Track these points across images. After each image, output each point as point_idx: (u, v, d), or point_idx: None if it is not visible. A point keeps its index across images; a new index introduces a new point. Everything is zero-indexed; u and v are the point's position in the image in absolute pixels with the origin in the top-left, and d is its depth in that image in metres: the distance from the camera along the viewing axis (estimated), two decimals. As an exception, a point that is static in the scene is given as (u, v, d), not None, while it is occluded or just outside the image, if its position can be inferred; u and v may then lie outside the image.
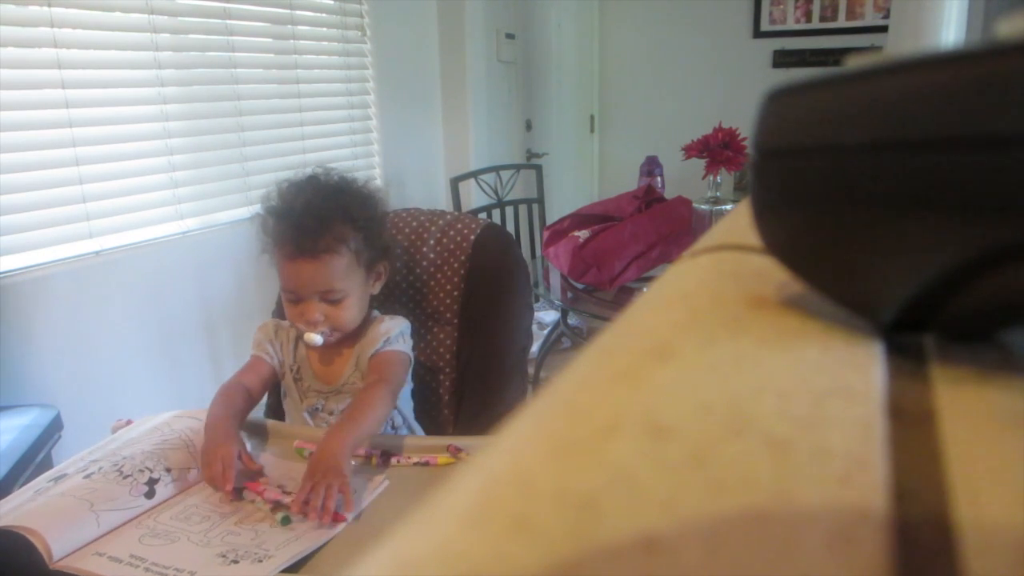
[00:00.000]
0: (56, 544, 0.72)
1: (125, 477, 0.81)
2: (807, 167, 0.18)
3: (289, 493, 0.82)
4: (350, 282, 0.99)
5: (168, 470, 0.85)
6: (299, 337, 1.06)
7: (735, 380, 0.16)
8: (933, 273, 0.16)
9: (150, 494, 0.81)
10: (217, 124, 1.86)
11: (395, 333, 1.05)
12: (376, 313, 1.10)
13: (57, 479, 0.82)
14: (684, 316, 0.20)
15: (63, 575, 0.70)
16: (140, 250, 1.66)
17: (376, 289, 1.07)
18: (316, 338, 0.98)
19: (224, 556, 0.71)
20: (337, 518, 0.77)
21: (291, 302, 1.00)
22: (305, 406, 1.06)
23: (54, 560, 0.71)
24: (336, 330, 1.00)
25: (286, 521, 0.78)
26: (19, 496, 0.80)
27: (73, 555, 0.72)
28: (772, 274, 0.23)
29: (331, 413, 1.06)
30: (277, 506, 0.81)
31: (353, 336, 1.05)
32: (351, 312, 1.01)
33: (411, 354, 1.07)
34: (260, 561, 0.70)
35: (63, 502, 0.77)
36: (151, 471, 0.83)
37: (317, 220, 0.95)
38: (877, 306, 0.18)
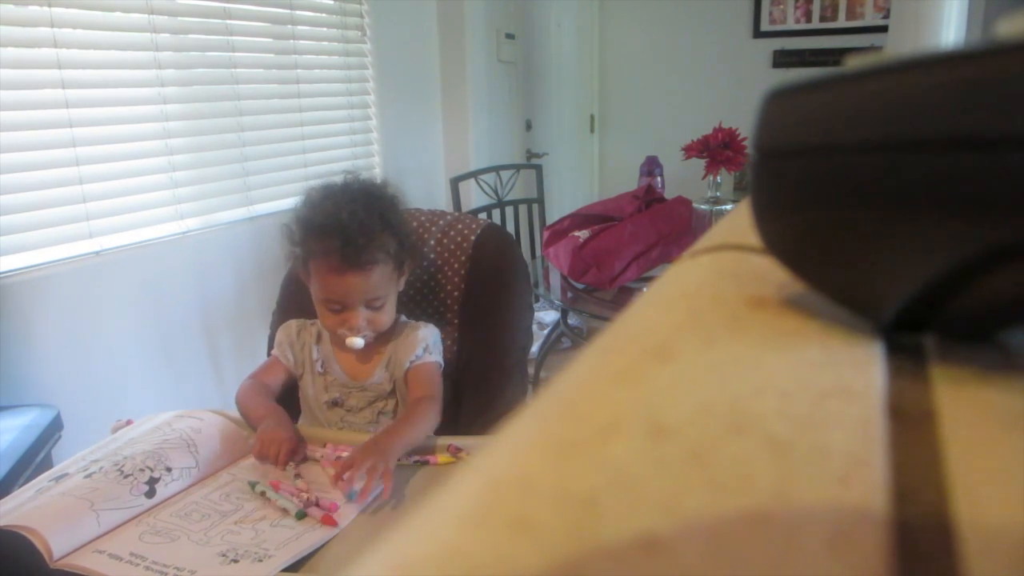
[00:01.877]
0: (56, 543, 0.72)
1: (126, 476, 0.82)
2: (807, 167, 0.18)
3: (305, 492, 0.83)
4: (391, 286, 1.04)
5: (169, 469, 0.85)
6: (321, 332, 1.09)
7: (735, 380, 0.16)
8: (933, 273, 0.16)
9: (150, 493, 0.81)
10: (217, 124, 1.86)
11: (432, 341, 1.08)
12: (403, 317, 1.12)
13: (58, 478, 0.82)
14: (684, 316, 0.20)
15: (63, 573, 0.70)
16: (140, 250, 1.66)
17: (402, 286, 1.09)
18: (359, 342, 1.01)
19: (224, 555, 0.71)
20: (326, 521, 0.78)
21: (335, 312, 1.02)
22: (326, 398, 1.07)
23: (54, 559, 0.71)
24: (375, 331, 1.04)
25: (301, 515, 0.79)
26: (20, 496, 0.80)
27: (73, 553, 0.72)
28: (772, 274, 0.23)
29: (349, 410, 1.07)
30: (293, 501, 0.82)
31: (385, 336, 1.08)
32: (390, 314, 1.05)
33: (442, 362, 1.10)
34: (260, 561, 0.70)
35: (63, 501, 0.77)
36: (152, 470, 0.83)
37: (364, 233, 0.97)
38: (877, 306, 0.18)
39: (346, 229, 0.96)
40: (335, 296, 1.00)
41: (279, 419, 0.96)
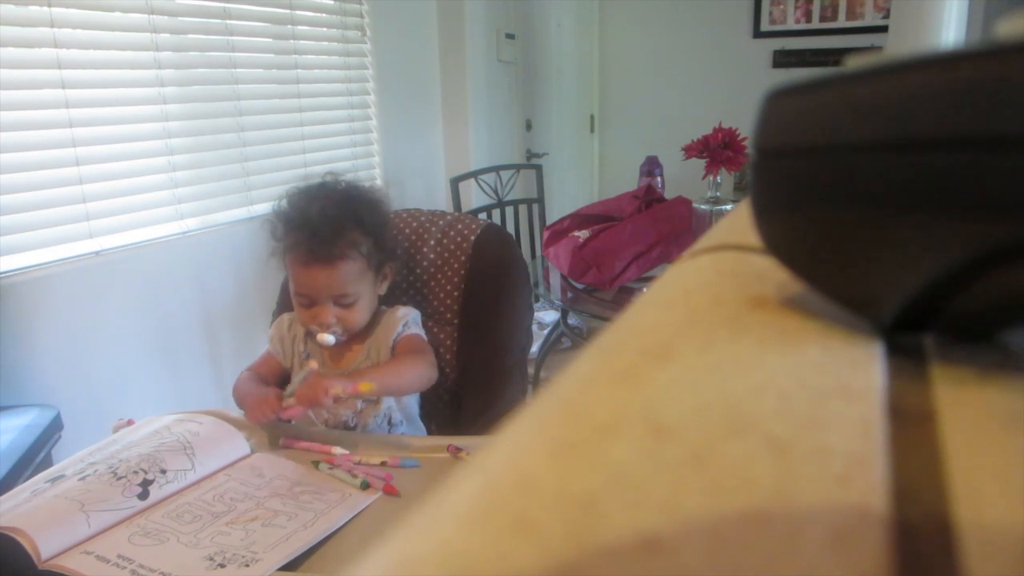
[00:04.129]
0: (44, 544, 0.71)
1: (119, 479, 0.81)
2: (807, 167, 0.18)
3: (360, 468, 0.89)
4: (362, 285, 1.04)
5: (163, 471, 0.84)
6: (309, 333, 1.09)
7: (735, 380, 0.16)
8: (933, 273, 0.16)
9: (144, 495, 0.81)
10: (217, 124, 1.86)
11: (411, 319, 1.11)
12: (383, 307, 1.13)
13: (54, 480, 0.82)
14: (684, 316, 0.20)
15: (49, 574, 0.70)
16: (140, 250, 1.66)
17: (383, 289, 1.11)
18: (329, 338, 1.02)
19: (211, 559, 0.71)
20: (388, 490, 0.84)
21: (304, 306, 1.03)
22: None
23: (42, 560, 0.71)
24: (347, 331, 1.05)
25: (365, 485, 0.85)
26: (14, 497, 0.80)
27: (62, 554, 0.72)
28: (772, 274, 0.23)
29: (335, 400, 1.08)
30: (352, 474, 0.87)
31: (364, 330, 1.09)
32: (362, 314, 1.05)
33: (425, 336, 1.13)
34: (247, 565, 0.69)
35: (54, 503, 0.76)
36: (146, 472, 0.83)
37: (331, 227, 0.99)
38: (877, 306, 0.18)
39: (313, 223, 0.98)
40: (303, 289, 1.02)
41: (254, 386, 1.03)
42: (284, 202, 1.05)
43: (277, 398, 0.95)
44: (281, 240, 1.04)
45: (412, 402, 1.13)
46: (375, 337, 1.09)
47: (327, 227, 0.98)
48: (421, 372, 1.03)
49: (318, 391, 0.90)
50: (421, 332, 1.12)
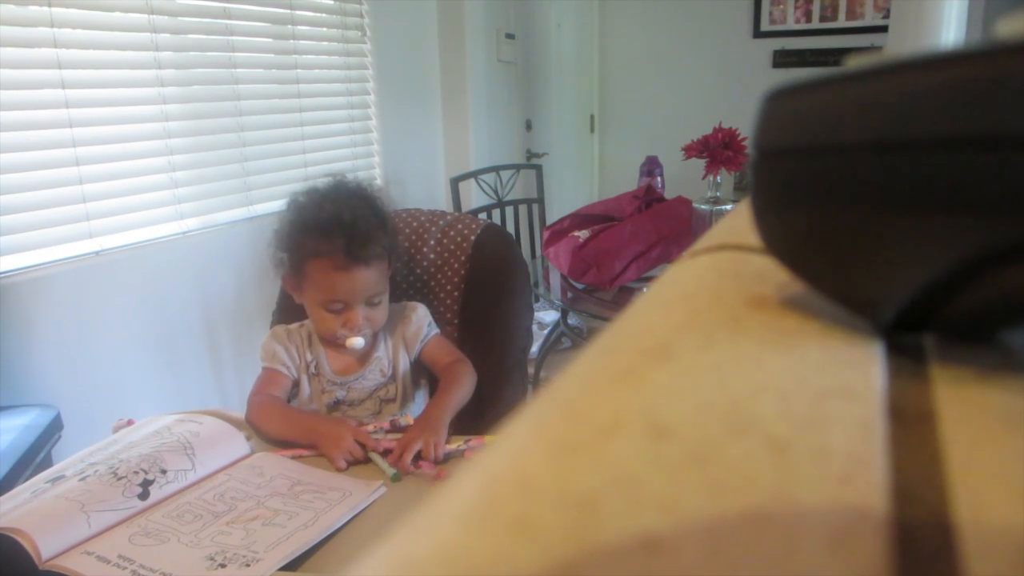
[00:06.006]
0: (45, 545, 0.71)
1: (119, 479, 0.81)
2: (807, 167, 0.18)
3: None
4: (386, 283, 1.05)
5: (164, 471, 0.84)
6: (312, 334, 1.08)
7: (735, 380, 0.16)
8: (933, 273, 0.16)
9: (144, 495, 0.81)
10: (217, 124, 1.86)
11: (429, 317, 1.14)
12: None
13: (54, 480, 0.82)
14: (684, 316, 0.20)
15: (50, 574, 0.70)
16: (140, 250, 1.66)
17: None
18: (360, 341, 1.02)
19: (212, 559, 0.70)
20: (440, 474, 0.86)
21: (337, 312, 1.01)
22: (325, 399, 1.07)
23: (43, 560, 0.71)
24: (374, 330, 1.05)
25: (397, 478, 0.86)
26: (14, 497, 0.80)
27: (62, 554, 0.72)
28: (772, 274, 0.23)
29: (350, 405, 1.07)
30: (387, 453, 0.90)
31: None
32: (385, 311, 1.06)
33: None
34: (248, 565, 0.69)
35: (54, 504, 0.76)
36: (146, 472, 0.83)
37: (365, 227, 0.99)
38: (877, 306, 0.18)
39: (350, 227, 0.98)
40: (339, 295, 0.99)
41: (328, 423, 0.97)
42: (295, 210, 1.02)
43: (360, 435, 0.92)
44: (295, 248, 1.01)
45: (422, 402, 1.13)
46: (398, 337, 1.10)
47: (362, 228, 0.98)
48: (471, 379, 1.07)
49: (428, 450, 0.90)
50: (437, 327, 1.14)
